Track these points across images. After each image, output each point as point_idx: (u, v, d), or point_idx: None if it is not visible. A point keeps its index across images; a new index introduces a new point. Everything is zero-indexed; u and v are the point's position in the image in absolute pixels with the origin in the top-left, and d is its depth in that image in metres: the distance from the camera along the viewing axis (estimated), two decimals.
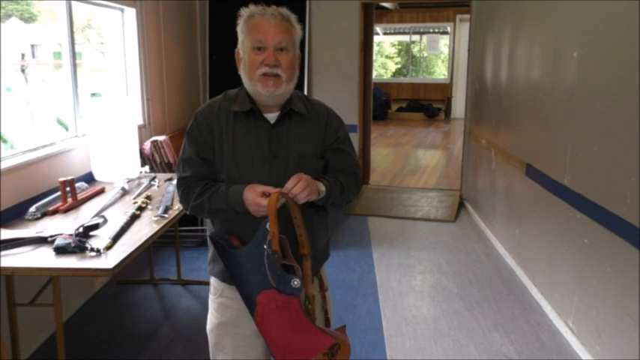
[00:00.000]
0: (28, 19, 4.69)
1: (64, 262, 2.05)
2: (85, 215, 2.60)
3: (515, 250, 3.89)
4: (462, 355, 2.79)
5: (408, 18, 12.58)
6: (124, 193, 3.01)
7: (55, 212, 2.65)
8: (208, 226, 1.66)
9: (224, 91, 1.63)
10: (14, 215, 2.57)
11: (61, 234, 2.21)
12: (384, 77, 14.17)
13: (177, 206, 2.70)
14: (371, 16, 5.98)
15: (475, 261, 4.06)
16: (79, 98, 3.43)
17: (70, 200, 2.76)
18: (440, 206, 5.44)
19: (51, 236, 2.20)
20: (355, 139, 5.51)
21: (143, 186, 3.15)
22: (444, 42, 13.26)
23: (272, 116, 1.57)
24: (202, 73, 5.38)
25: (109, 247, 2.15)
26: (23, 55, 4.70)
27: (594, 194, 2.59)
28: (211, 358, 1.71)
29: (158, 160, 4.03)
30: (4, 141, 3.25)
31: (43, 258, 2.08)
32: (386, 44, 14.52)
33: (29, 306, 2.43)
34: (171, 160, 4.02)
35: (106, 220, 2.42)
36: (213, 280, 1.68)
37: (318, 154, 1.60)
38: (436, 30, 13.17)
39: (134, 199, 2.86)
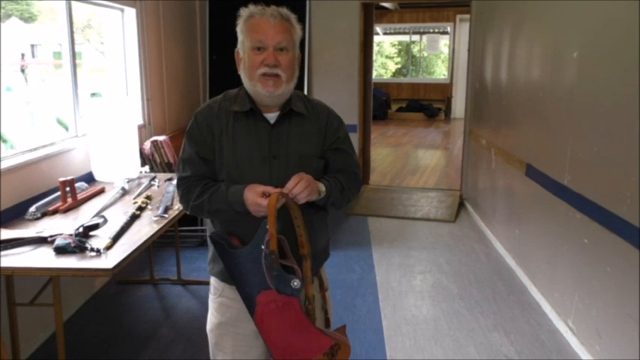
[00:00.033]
0: (28, 19, 4.69)
1: (64, 262, 2.05)
2: (85, 215, 2.60)
3: (515, 250, 3.89)
4: (462, 355, 2.79)
5: (408, 18, 12.58)
6: (124, 193, 3.01)
7: (55, 212, 2.65)
8: (208, 226, 1.66)
9: (224, 91, 1.63)
10: (14, 215, 2.57)
11: (61, 234, 2.21)
12: (384, 77, 14.17)
13: (177, 206, 2.70)
14: (371, 16, 5.98)
15: (475, 261, 4.06)
16: (79, 98, 3.43)
17: (70, 200, 2.76)
18: (440, 206, 5.44)
19: (51, 236, 2.20)
20: (355, 139, 5.51)
21: (143, 186, 3.15)
22: (444, 42, 13.26)
23: (272, 116, 1.57)
24: (202, 73, 5.38)
25: (109, 247, 2.15)
26: (23, 55, 4.70)
27: (594, 194, 2.59)
28: (211, 358, 1.71)
29: (158, 160, 4.03)
30: (4, 141, 3.25)
31: (43, 258, 2.08)
32: (386, 44, 14.52)
33: (29, 306, 2.43)
34: (171, 160, 4.02)
35: (106, 220, 2.42)
36: (213, 280, 1.68)
37: (318, 154, 1.60)
38: (436, 30, 13.17)
39: (134, 199, 2.87)
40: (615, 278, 2.42)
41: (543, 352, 2.81)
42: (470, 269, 3.90)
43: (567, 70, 2.94)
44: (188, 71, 5.13)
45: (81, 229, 2.24)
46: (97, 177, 3.30)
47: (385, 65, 14.56)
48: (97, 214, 2.56)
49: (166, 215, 2.61)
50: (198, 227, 4.25)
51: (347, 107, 5.36)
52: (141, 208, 2.67)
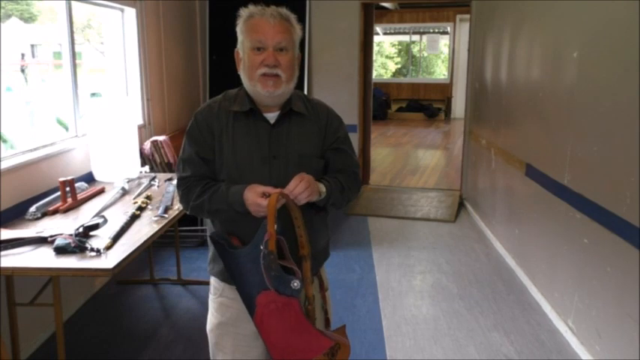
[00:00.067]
0: (28, 19, 4.70)
1: (64, 262, 2.05)
2: (85, 215, 2.60)
3: (515, 250, 3.89)
4: (461, 355, 2.79)
5: (408, 18, 12.58)
6: (124, 193, 3.01)
7: (55, 212, 2.65)
8: (208, 226, 1.66)
9: (224, 91, 1.63)
10: (14, 215, 2.57)
11: (61, 234, 2.21)
12: (384, 77, 14.17)
13: (177, 206, 2.70)
14: (371, 16, 5.98)
15: (475, 261, 4.07)
16: (79, 98, 3.43)
17: (70, 200, 2.76)
18: (440, 206, 5.44)
19: (51, 236, 2.20)
20: (355, 139, 5.51)
21: (143, 186, 3.15)
22: (444, 42, 13.26)
23: (272, 116, 1.57)
24: (202, 73, 5.38)
25: (109, 247, 2.15)
26: (23, 55, 4.71)
27: (594, 194, 2.59)
28: (211, 358, 1.71)
29: (158, 160, 4.03)
30: (4, 141, 3.25)
31: (43, 258, 2.08)
32: (386, 44, 14.52)
33: (29, 306, 2.43)
34: (171, 160, 4.03)
35: (106, 220, 2.42)
36: (213, 280, 1.68)
37: (318, 153, 1.60)
38: (436, 30, 13.17)
39: (134, 199, 2.87)
40: (615, 278, 2.42)
41: (543, 352, 2.81)
42: (470, 269, 3.90)
43: (567, 70, 2.94)
44: (188, 71, 5.13)
45: (81, 229, 2.24)
46: (97, 177, 3.30)
47: (385, 65, 14.56)
48: (97, 214, 2.56)
49: (166, 215, 2.61)
50: (198, 227, 4.25)
51: (347, 107, 5.36)
52: (141, 208, 2.67)
